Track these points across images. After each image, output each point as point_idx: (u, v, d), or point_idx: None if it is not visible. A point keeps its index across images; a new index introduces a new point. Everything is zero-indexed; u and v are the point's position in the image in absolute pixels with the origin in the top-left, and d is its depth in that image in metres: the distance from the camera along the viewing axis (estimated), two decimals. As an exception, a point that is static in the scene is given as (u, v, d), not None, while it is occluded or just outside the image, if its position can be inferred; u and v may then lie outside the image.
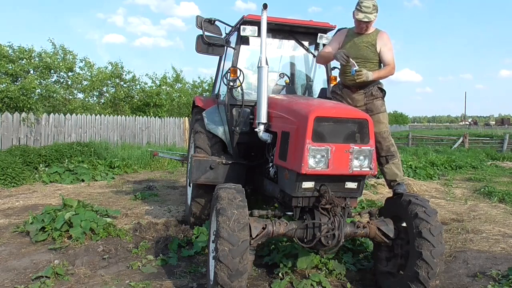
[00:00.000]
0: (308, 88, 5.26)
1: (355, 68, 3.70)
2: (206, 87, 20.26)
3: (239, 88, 4.47)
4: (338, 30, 4.39)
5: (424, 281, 3.12)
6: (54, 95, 13.24)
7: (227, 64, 5.02)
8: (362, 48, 3.88)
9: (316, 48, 5.09)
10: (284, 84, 5.12)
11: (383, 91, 3.96)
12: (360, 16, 3.72)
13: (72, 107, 14.22)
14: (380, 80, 3.96)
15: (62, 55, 14.56)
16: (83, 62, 15.60)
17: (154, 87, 17.98)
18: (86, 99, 16.38)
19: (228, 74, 4.45)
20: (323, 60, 4.35)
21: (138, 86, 17.63)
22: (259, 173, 4.51)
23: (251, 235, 3.08)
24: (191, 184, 5.06)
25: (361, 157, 3.07)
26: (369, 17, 3.72)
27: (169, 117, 15.95)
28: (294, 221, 3.36)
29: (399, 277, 3.43)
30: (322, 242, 3.15)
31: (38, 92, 12.38)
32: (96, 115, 13.43)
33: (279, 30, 4.74)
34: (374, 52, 3.87)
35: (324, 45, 4.98)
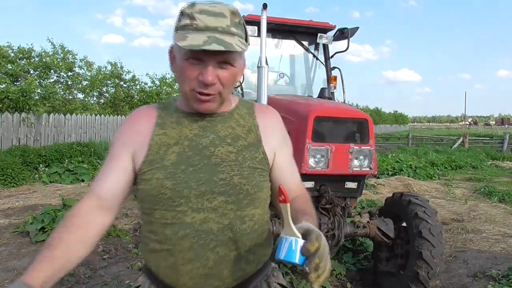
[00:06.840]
0: (308, 88, 5.25)
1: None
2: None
3: (239, 88, 4.47)
4: None
5: (424, 281, 3.12)
6: (54, 95, 13.22)
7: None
8: None
9: (316, 48, 5.08)
10: (284, 84, 5.11)
11: None
12: None
13: (72, 107, 14.20)
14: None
15: (62, 55, 14.54)
16: (83, 62, 15.57)
17: (154, 87, 17.98)
18: (86, 99, 16.35)
19: (228, 74, 4.43)
20: None
21: (138, 86, 17.62)
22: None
23: (251, 235, 3.07)
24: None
25: (361, 157, 3.07)
26: None
27: (169, 117, 15.91)
28: (294, 221, 3.35)
29: (399, 277, 3.43)
30: (322, 242, 3.14)
31: (38, 92, 12.36)
32: (96, 115, 13.41)
33: (279, 30, 4.74)
34: None
35: (324, 45, 4.97)
